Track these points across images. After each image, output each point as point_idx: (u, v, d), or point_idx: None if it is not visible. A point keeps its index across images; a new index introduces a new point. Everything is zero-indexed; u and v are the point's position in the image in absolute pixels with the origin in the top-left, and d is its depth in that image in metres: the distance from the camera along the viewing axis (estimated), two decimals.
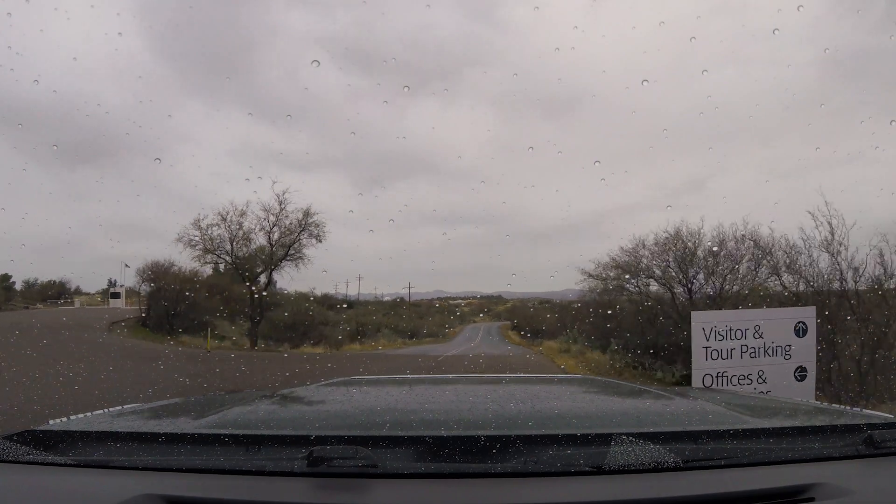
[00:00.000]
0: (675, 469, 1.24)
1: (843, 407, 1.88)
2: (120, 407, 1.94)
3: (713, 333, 7.53)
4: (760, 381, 7.47)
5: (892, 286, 11.42)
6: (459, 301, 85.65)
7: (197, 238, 28.83)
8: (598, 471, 1.23)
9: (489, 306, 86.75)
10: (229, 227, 29.40)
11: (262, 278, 32.47)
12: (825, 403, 2.00)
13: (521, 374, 5.26)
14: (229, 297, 31.32)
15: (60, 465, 1.32)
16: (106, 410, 1.88)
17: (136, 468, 1.29)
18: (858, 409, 1.83)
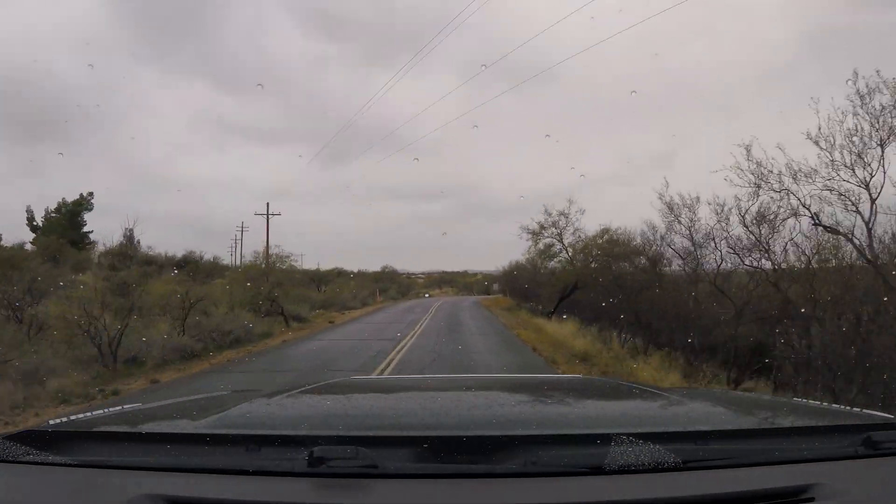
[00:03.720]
0: (675, 469, 1.24)
1: (843, 407, 1.89)
2: (120, 407, 1.93)
3: None
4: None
5: None
6: (418, 276, 79.76)
7: None
8: (598, 471, 1.24)
9: (453, 279, 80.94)
10: None
11: None
12: (825, 403, 2.05)
13: (522, 375, 5.33)
14: None
15: (60, 465, 1.31)
16: (106, 410, 1.88)
17: (136, 468, 1.29)
18: (858, 409, 1.85)
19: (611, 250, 21.69)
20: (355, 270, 58.17)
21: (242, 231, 53.12)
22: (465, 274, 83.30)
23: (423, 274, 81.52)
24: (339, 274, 52.84)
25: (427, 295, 68.41)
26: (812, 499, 1.14)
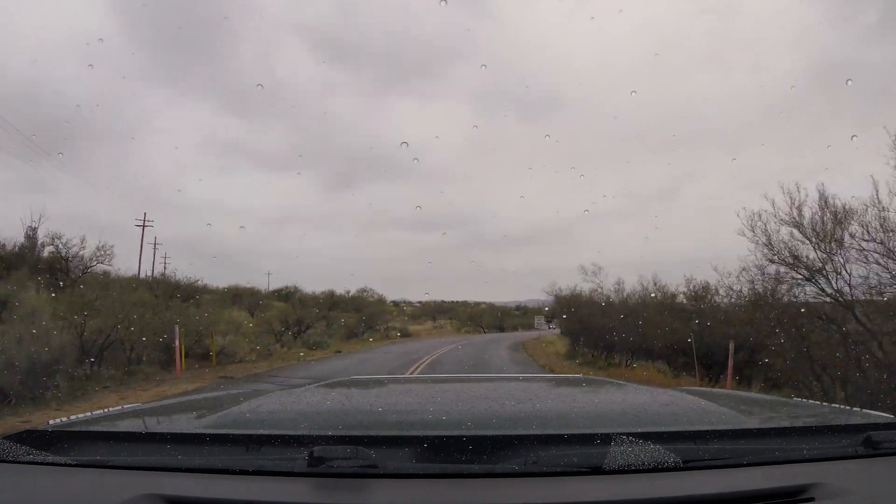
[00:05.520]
0: (675, 469, 1.24)
1: (843, 407, 1.90)
2: (120, 407, 1.93)
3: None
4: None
5: None
6: (408, 304, 65.77)
7: None
8: (598, 471, 1.24)
9: (453, 308, 68.45)
10: None
11: None
12: (825, 403, 2.05)
13: (522, 375, 5.36)
14: None
15: (60, 465, 1.31)
16: (106, 410, 1.88)
17: (136, 468, 1.29)
18: (858, 409, 1.85)
19: None
20: (315, 292, 41.90)
21: (144, 227, 41.83)
22: (465, 304, 69.63)
23: (418, 302, 68.19)
24: (289, 295, 38.58)
25: (412, 335, 44.08)
26: (812, 499, 1.14)
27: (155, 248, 46.68)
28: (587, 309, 25.07)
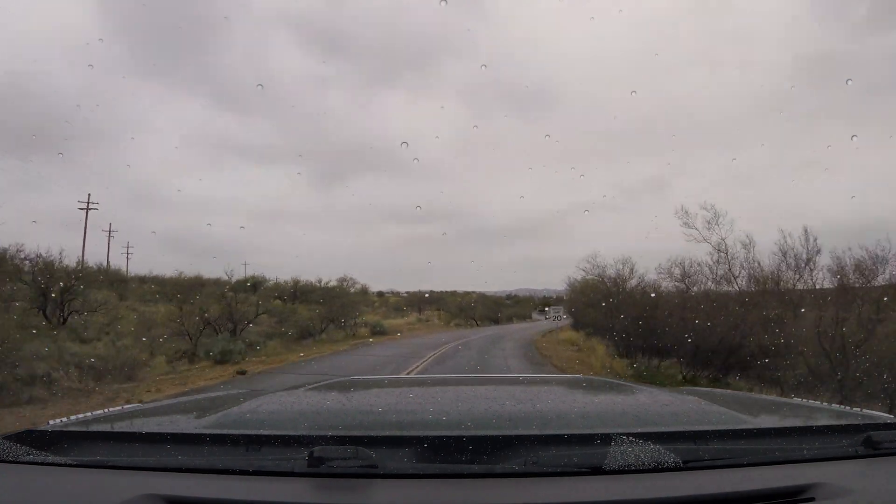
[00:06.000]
0: (675, 469, 1.25)
1: (843, 407, 1.90)
2: (120, 407, 1.93)
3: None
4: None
5: None
6: (393, 294, 61.51)
7: None
8: (598, 471, 1.24)
9: (442, 298, 60.53)
10: None
11: None
12: (825, 403, 2.06)
13: (521, 375, 5.36)
14: None
15: (60, 465, 1.31)
16: (106, 410, 1.88)
17: (136, 468, 1.29)
18: (858, 409, 1.84)
19: None
20: (286, 281, 32.77)
21: (87, 210, 39.30)
22: (454, 294, 61.89)
23: (405, 293, 62.37)
24: (255, 286, 30.58)
25: (375, 331, 32.92)
26: (812, 499, 1.14)
27: (110, 236, 44.24)
28: (651, 297, 17.07)
